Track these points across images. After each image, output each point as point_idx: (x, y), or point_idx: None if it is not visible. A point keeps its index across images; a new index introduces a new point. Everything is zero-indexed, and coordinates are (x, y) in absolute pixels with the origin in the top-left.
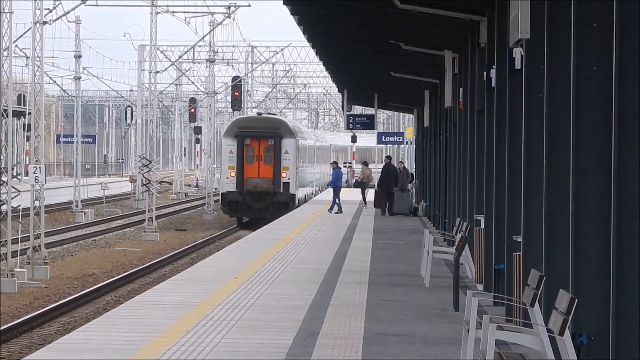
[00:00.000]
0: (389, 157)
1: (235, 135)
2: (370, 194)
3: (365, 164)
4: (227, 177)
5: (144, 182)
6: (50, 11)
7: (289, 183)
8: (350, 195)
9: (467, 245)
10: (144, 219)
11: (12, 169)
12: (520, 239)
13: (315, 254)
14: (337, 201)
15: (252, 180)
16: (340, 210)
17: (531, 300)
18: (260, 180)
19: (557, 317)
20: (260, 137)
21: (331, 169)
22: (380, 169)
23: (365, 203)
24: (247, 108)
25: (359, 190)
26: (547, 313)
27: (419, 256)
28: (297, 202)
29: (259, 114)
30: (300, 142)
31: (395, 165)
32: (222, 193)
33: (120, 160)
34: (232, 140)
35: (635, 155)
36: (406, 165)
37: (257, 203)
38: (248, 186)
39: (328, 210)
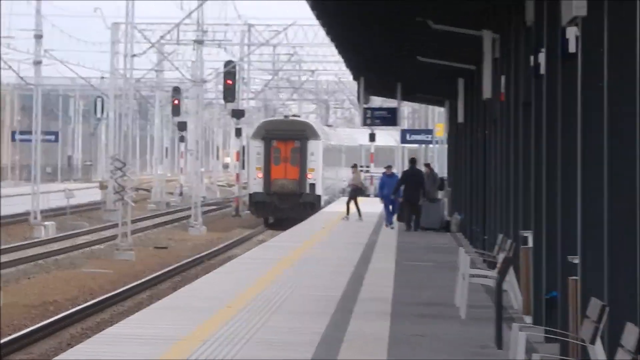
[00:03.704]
0: (412, 160)
1: (262, 137)
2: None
3: (354, 166)
4: (255, 178)
5: (117, 190)
6: None
7: (314, 184)
8: (368, 206)
9: (511, 268)
10: (117, 235)
11: None
12: (577, 261)
13: (326, 277)
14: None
15: (278, 181)
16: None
17: (591, 335)
18: (286, 181)
19: (623, 355)
20: (287, 138)
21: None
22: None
23: (359, 215)
24: (243, 99)
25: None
26: (612, 351)
27: (453, 281)
28: (322, 202)
29: (286, 116)
30: (325, 143)
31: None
32: (249, 194)
33: (89, 163)
34: (260, 142)
35: None
36: (435, 169)
37: (283, 203)
38: (275, 187)
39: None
